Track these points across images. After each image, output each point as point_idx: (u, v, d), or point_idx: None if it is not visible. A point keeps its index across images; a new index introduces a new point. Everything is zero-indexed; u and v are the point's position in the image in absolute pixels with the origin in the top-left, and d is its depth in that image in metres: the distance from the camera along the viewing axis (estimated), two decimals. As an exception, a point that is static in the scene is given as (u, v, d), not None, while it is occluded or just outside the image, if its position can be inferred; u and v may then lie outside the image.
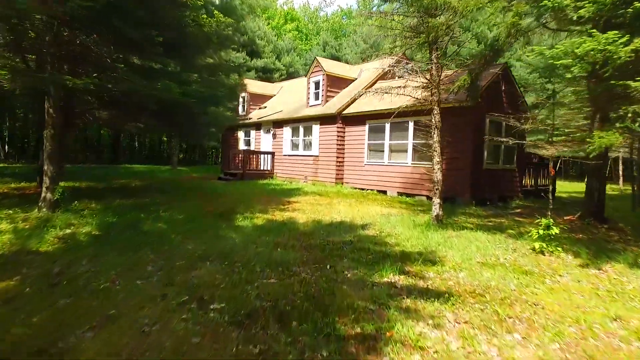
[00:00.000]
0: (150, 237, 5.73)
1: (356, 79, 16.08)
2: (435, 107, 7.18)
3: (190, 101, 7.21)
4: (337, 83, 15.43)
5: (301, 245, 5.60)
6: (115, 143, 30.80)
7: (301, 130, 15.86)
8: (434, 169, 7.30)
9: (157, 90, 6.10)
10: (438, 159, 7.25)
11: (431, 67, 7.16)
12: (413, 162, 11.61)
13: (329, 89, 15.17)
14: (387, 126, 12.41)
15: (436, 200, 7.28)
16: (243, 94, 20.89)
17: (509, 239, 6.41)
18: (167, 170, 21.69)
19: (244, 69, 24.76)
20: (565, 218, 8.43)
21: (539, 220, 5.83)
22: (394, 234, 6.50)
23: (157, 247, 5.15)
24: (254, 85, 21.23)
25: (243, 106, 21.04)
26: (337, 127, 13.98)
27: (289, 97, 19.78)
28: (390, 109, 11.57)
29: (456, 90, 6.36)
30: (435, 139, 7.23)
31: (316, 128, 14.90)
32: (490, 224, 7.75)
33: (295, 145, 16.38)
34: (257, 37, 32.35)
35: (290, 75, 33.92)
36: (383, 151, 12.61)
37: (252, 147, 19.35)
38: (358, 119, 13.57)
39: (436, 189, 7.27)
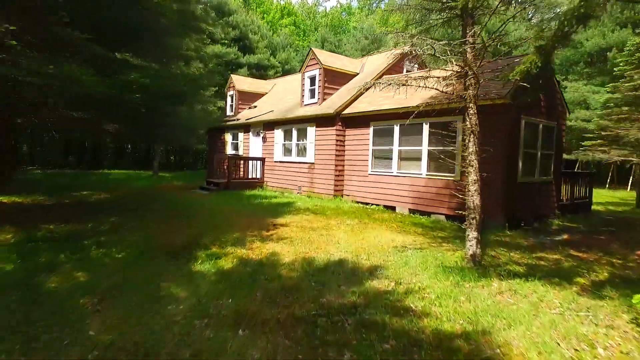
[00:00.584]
0: (44, 305, 3.76)
1: (358, 73, 14.15)
2: (472, 104, 5.24)
3: (132, 97, 5.27)
4: (336, 78, 13.49)
5: (278, 318, 3.64)
6: (97, 146, 28.85)
7: (294, 133, 13.91)
8: (469, 190, 5.35)
9: (58, 78, 4.15)
10: (475, 177, 5.30)
11: (465, 50, 5.22)
12: (428, 173, 9.66)
13: (326, 85, 13.23)
14: (397, 129, 10.46)
15: (472, 234, 5.32)
16: (231, 92, 18.96)
17: (586, 296, 4.44)
18: (147, 178, 19.74)
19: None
20: (638, 253, 6.48)
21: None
22: (417, 287, 4.55)
23: (32, 336, 3.17)
24: (243, 82, 19.31)
25: (231, 105, 19.10)
26: (336, 130, 12.04)
27: (282, 95, 17.86)
28: (405, 107, 9.65)
29: (517, 78, 4.42)
30: (471, 149, 5.28)
31: (311, 131, 12.95)
32: (543, 263, 5.79)
33: (287, 151, 14.43)
34: (250, 32, 30.44)
35: (287, 73, 32.03)
36: (391, 159, 10.66)
37: (240, 152, 17.40)
38: (361, 121, 11.62)
39: (472, 218, 5.32)
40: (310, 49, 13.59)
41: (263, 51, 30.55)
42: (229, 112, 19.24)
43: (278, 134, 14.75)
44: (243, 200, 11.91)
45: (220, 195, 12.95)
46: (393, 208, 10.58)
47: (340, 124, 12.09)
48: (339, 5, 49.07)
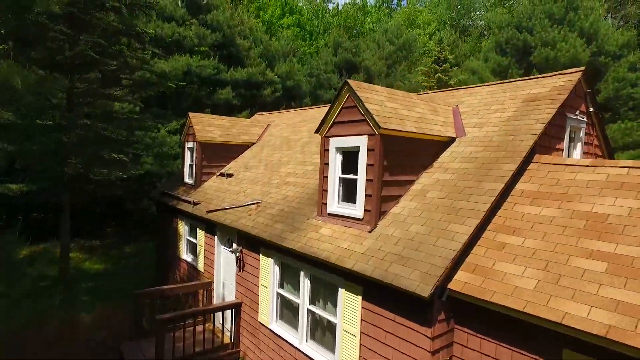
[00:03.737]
0: None
1: (456, 138, 6.40)
2: None
3: None
4: (405, 159, 5.78)
5: None
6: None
7: (304, 284, 6.20)
8: None
9: None
10: None
11: None
12: None
13: (387, 174, 5.52)
14: None
15: None
16: (190, 144, 11.32)
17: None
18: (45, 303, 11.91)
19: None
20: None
21: None
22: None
23: None
24: (210, 127, 11.56)
25: (190, 166, 11.44)
26: (434, 337, 4.30)
27: (280, 154, 10.18)
28: None
29: None
30: None
31: (350, 302, 5.24)
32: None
33: (292, 310, 6.73)
34: (238, 35, 22.96)
35: (289, 92, 24.51)
36: None
37: (200, 263, 9.66)
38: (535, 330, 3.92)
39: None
40: (345, 81, 5.82)
41: (256, 62, 23.01)
42: (186, 178, 11.58)
43: (268, 266, 7.04)
44: None
45: None
46: None
47: (444, 316, 4.36)
48: (352, 1, 41.75)
